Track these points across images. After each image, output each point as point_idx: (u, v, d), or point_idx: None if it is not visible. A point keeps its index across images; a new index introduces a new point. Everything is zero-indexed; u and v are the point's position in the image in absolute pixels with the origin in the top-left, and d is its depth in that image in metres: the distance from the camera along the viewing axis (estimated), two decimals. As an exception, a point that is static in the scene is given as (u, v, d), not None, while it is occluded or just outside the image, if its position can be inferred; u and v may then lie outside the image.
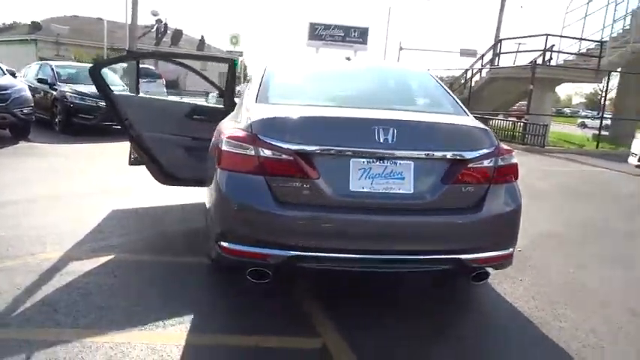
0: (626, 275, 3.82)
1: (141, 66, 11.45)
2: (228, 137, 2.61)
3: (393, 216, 2.48)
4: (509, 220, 2.62)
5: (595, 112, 33.78)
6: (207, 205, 2.85)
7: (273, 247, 2.47)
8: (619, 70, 16.49)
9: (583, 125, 33.93)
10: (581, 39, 16.98)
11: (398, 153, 2.49)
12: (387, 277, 3.07)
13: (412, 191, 2.49)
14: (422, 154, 2.51)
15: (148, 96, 5.93)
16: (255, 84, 3.19)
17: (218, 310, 2.86)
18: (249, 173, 2.53)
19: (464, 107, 3.16)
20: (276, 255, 2.46)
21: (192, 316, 2.64)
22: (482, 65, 18.05)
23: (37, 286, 2.82)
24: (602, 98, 17.97)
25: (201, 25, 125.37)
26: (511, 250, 2.65)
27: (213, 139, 3.22)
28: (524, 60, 17.24)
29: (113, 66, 11.96)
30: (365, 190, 2.47)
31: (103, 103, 8.26)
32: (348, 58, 4.14)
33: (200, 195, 3.42)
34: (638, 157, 9.76)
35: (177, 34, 39.81)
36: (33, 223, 4.06)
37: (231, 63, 4.26)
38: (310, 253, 2.43)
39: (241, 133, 2.59)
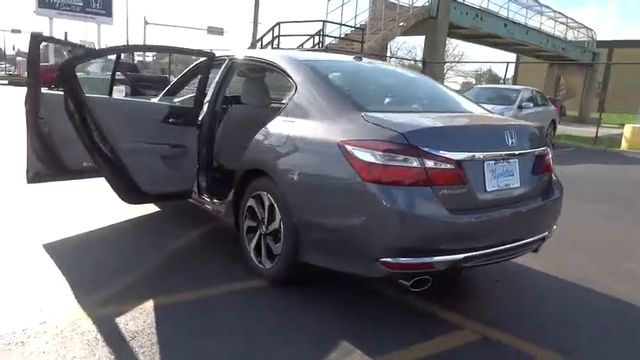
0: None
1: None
2: (385, 150, 2.44)
3: (516, 207, 2.83)
4: (561, 199, 3.27)
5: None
6: (348, 224, 2.57)
7: (440, 253, 2.51)
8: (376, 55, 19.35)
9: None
10: (354, 27, 18.78)
11: (514, 153, 2.85)
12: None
13: (519, 185, 2.88)
14: (523, 152, 2.93)
15: (122, 98, 4.44)
16: (326, 89, 3.02)
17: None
18: (414, 185, 2.45)
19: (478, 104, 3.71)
20: (444, 260, 2.49)
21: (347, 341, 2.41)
22: (262, 48, 18.61)
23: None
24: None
25: None
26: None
27: (304, 152, 2.81)
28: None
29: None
30: (495, 188, 2.72)
31: None
32: (360, 58, 4.10)
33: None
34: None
35: None
36: None
37: (211, 57, 3.64)
38: (473, 253, 2.58)
39: (397, 146, 2.45)
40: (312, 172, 2.67)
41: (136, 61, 23.23)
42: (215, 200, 3.60)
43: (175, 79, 4.69)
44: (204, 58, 3.79)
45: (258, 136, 3.08)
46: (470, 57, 46.27)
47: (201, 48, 4.70)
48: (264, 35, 18.51)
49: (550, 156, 3.10)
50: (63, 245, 3.47)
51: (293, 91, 3.07)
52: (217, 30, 41.81)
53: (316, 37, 18.01)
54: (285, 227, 2.81)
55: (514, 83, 32.30)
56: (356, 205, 2.46)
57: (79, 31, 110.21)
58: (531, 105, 11.31)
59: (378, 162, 2.41)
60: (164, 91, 4.75)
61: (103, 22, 30.98)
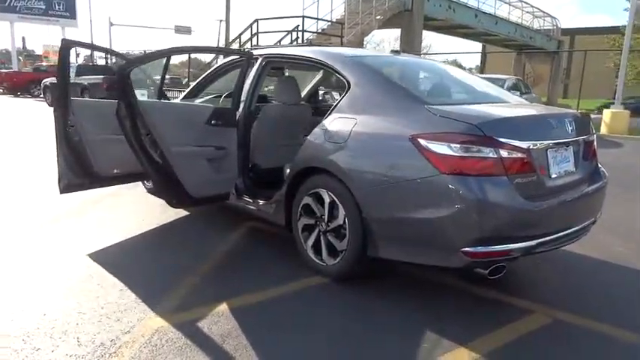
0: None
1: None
2: (462, 142, 2.48)
3: (575, 192, 2.94)
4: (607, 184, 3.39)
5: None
6: (427, 216, 2.59)
7: (517, 240, 2.58)
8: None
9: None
10: (333, 21, 18.80)
11: (571, 140, 2.95)
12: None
13: (575, 170, 3.00)
14: (577, 138, 3.03)
15: (169, 101, 4.27)
16: (384, 84, 3.06)
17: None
18: (491, 175, 2.51)
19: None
20: (520, 247, 2.56)
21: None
22: (240, 46, 18.43)
23: None
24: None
25: None
26: None
27: (376, 146, 2.78)
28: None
29: None
30: (557, 175, 2.83)
31: None
32: (398, 52, 4.12)
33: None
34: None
35: None
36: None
37: (250, 56, 3.59)
38: (545, 239, 2.67)
39: (473, 137, 2.50)
40: (382, 168, 2.69)
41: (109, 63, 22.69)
42: (260, 201, 3.58)
43: (197, 81, 4.63)
44: (233, 58, 3.75)
45: (315, 134, 3.08)
46: (436, 49, 47.00)
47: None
48: (243, 32, 18.33)
49: (595, 142, 3.22)
50: (108, 254, 3.40)
51: (346, 88, 3.08)
52: (185, 29, 41.14)
53: (294, 33, 17.89)
54: (352, 223, 2.83)
55: (482, 72, 32.99)
56: (435, 198, 2.50)
57: (42, 34, 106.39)
58: (518, 93, 11.60)
59: (455, 154, 2.45)
60: (185, 93, 4.69)
61: (67, 25, 30.06)
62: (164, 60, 4.19)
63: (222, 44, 19.78)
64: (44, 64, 26.54)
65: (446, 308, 2.77)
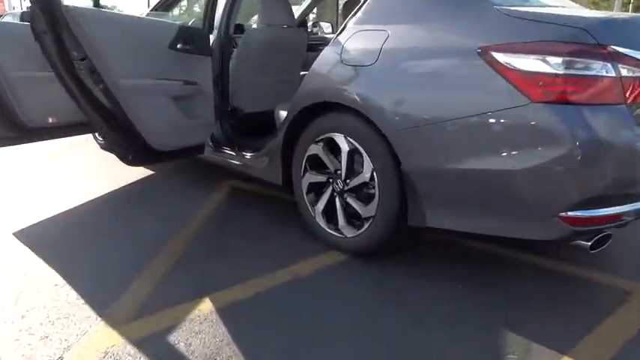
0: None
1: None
2: (568, 53, 1.61)
3: None
4: None
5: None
6: (509, 168, 1.73)
7: (631, 199, 1.79)
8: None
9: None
10: None
11: None
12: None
13: None
14: None
15: (112, 11, 3.12)
16: None
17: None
18: (606, 103, 1.67)
19: None
20: (634, 210, 1.79)
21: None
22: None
23: None
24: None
25: None
26: None
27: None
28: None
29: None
30: None
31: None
32: None
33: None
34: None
35: None
36: None
37: None
38: None
39: (582, 47, 1.62)
40: (433, 98, 1.82)
41: None
42: (247, 153, 2.69)
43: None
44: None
45: (325, 58, 2.18)
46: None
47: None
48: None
49: None
50: (43, 232, 2.49)
51: None
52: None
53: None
54: (384, 180, 1.99)
55: None
56: (521, 140, 1.65)
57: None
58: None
59: (553, 72, 1.59)
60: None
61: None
62: None
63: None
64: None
65: (517, 290, 1.99)
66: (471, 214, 1.85)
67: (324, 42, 2.55)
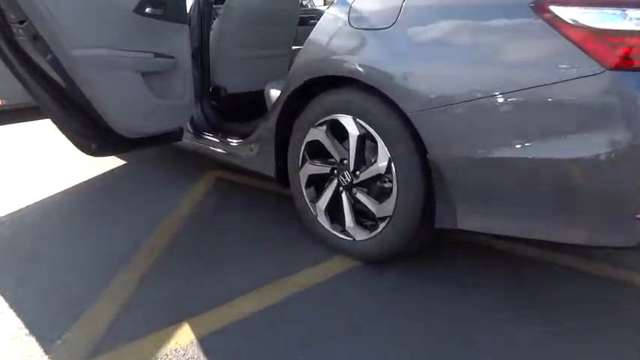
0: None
1: None
2: None
3: None
4: None
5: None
6: (577, 156, 1.33)
7: None
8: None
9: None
10: None
11: None
12: None
13: None
14: None
15: None
16: None
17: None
18: None
19: None
20: None
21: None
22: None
23: None
24: None
25: None
26: None
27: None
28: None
29: None
30: None
31: None
32: None
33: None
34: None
35: None
36: None
37: None
38: None
39: None
40: (472, 67, 1.42)
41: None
42: (232, 140, 2.27)
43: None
44: None
45: (328, 21, 1.75)
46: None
47: None
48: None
49: None
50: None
51: None
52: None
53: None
54: (404, 172, 1.60)
55: None
56: (592, 120, 1.26)
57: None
58: None
59: (637, 30, 1.19)
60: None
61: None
62: None
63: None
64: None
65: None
66: (519, 214, 1.46)
67: (316, 15, 2.13)
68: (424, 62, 1.52)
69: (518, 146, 1.39)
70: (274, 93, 2.14)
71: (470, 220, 1.53)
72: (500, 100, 1.37)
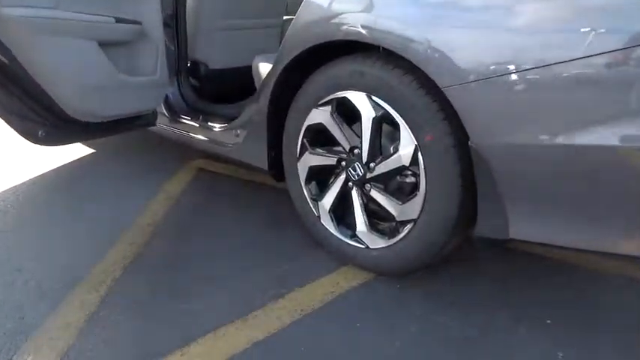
0: None
1: None
2: None
3: None
4: None
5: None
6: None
7: None
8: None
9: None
10: None
11: None
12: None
13: None
14: None
15: None
16: None
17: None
18: None
19: None
20: None
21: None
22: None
23: None
24: None
25: None
26: None
27: None
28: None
29: None
30: None
31: None
32: None
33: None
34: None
35: None
36: None
37: None
38: None
39: None
40: (530, 26, 1.03)
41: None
42: (215, 125, 1.90)
43: None
44: None
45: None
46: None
47: None
48: None
49: None
50: None
51: None
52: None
53: None
54: (433, 164, 1.23)
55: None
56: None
57: None
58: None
59: None
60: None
61: None
62: None
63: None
64: None
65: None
66: (596, 222, 1.09)
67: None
68: (462, 22, 1.14)
69: (595, 130, 1.02)
70: (264, 67, 1.75)
71: (526, 228, 1.17)
72: (570, 68, 1.00)
